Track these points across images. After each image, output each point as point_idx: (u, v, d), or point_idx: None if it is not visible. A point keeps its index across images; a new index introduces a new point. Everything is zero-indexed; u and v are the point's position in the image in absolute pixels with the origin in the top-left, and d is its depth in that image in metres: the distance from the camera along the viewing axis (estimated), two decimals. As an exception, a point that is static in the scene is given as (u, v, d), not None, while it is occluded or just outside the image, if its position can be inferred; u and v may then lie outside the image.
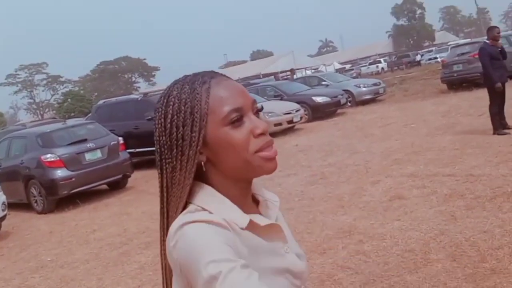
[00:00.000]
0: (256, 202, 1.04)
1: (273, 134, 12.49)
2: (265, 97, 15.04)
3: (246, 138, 0.90)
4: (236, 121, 0.89)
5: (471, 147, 7.33)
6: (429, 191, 5.50)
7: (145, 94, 11.86)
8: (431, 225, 4.46)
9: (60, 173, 8.29)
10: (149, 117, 10.70)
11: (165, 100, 0.93)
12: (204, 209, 0.90)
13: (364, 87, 16.82)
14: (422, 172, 6.42)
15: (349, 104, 16.19)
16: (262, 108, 12.22)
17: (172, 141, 0.91)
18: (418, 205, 5.13)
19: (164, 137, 0.93)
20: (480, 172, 5.88)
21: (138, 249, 5.47)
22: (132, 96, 12.88)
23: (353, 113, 15.15)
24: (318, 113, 14.71)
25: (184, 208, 0.92)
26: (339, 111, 15.69)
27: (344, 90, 16.05)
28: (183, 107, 0.91)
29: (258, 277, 0.78)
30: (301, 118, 13.54)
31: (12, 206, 8.29)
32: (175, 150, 0.91)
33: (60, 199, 8.54)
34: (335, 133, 11.73)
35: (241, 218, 0.91)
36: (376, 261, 3.92)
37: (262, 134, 0.91)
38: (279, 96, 15.34)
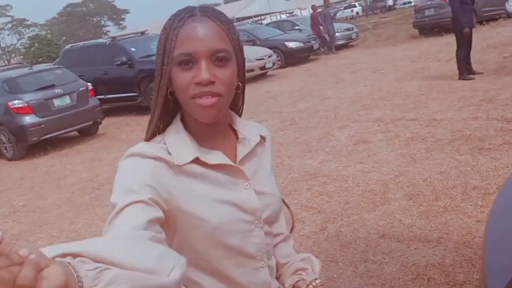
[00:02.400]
0: (237, 137, 1.10)
1: (246, 81, 12.46)
2: (238, 42, 14.82)
3: (187, 82, 0.94)
4: (183, 63, 0.94)
5: (436, 92, 7.52)
6: (392, 135, 5.70)
7: (114, 38, 11.53)
8: (392, 167, 4.67)
9: (28, 119, 8.17)
10: (118, 62, 10.50)
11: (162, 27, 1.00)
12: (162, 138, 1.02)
13: (337, 32, 16.71)
14: (387, 117, 6.61)
15: (322, 49, 16.14)
16: None
17: (156, 67, 0.99)
18: (381, 148, 5.33)
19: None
20: (443, 116, 6.09)
21: (110, 193, 5.47)
22: (100, 40, 12.54)
23: (325, 59, 15.16)
24: (291, 58, 14.66)
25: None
26: (311, 56, 15.67)
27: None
28: (162, 37, 0.97)
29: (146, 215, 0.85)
30: (273, 64, 13.48)
31: (-20, 153, 8.21)
32: (157, 78, 1.00)
33: (31, 145, 8.48)
34: (307, 79, 11.78)
35: (185, 155, 0.98)
36: (338, 201, 4.13)
37: (199, 83, 0.93)
38: (252, 41, 15.16)
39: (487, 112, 5.89)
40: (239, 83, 1.05)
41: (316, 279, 1.19)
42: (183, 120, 1.05)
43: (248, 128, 1.12)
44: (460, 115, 5.99)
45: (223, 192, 1.01)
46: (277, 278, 1.22)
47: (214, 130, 1.05)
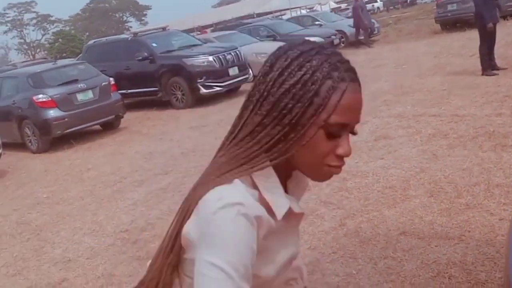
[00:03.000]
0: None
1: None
2: (258, 37, 14.84)
3: (328, 150, 0.90)
4: (334, 132, 0.89)
5: (459, 87, 7.40)
6: (414, 131, 5.64)
7: (135, 34, 11.67)
8: (413, 163, 4.63)
9: (52, 113, 8.34)
10: (140, 58, 10.62)
11: (301, 63, 0.89)
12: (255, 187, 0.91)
13: (358, 27, 16.54)
14: (409, 112, 6.54)
15: (342, 44, 16.02)
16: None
17: (285, 103, 0.88)
18: (402, 144, 5.28)
19: (284, 83, 0.89)
20: (465, 112, 6.00)
21: (131, 186, 5.66)
22: (122, 36, 12.69)
23: (346, 54, 14.83)
24: (311, 54, 14.55)
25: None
26: (332, 52, 15.54)
27: (337, 31, 15.84)
28: (311, 85, 0.88)
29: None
30: (294, 59, 13.41)
31: (7, 146, 8.40)
32: (288, 105, 0.88)
33: (54, 139, 8.65)
34: (327, 74, 11.70)
35: (283, 203, 0.93)
36: (357, 197, 4.11)
37: (342, 156, 0.91)
38: (272, 37, 15.13)
39: (511, 108, 5.78)
40: None
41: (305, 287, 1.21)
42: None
43: None
44: (483, 111, 5.89)
45: (286, 246, 0.99)
46: None
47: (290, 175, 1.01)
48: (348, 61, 0.94)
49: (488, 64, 7.93)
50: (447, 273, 2.81)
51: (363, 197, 4.10)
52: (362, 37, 15.67)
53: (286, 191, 0.98)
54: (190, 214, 0.89)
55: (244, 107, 0.96)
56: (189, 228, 0.89)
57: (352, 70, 0.92)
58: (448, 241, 3.14)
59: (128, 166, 6.59)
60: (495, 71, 7.89)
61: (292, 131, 0.88)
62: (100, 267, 3.86)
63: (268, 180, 0.92)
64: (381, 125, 6.20)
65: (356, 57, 13.79)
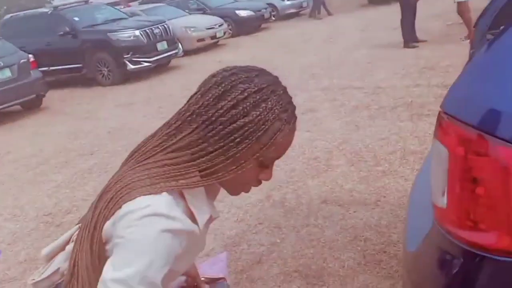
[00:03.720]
0: None
1: (196, 50, 12.30)
2: (187, 11, 14.53)
3: (254, 176, 0.99)
4: (266, 165, 0.99)
5: (382, 60, 7.70)
6: (338, 104, 5.83)
7: (56, 8, 11.02)
8: (336, 135, 4.80)
9: (-35, 93, 7.78)
10: (61, 33, 10.09)
11: (260, 94, 0.93)
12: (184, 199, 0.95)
13: (288, 0, 16.66)
14: (335, 85, 6.73)
15: (273, 18, 16.07)
16: None
17: (240, 131, 0.92)
18: (327, 117, 5.44)
19: (238, 120, 0.92)
20: (387, 84, 6.27)
21: (54, 168, 5.44)
22: (42, 9, 11.90)
23: (276, 28, 15.12)
24: (242, 27, 14.52)
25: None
26: (263, 25, 15.58)
27: (268, 4, 15.84)
28: (269, 118, 0.92)
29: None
30: (224, 33, 13.32)
31: None
32: (237, 140, 0.92)
33: (-31, 121, 8.10)
34: (258, 49, 11.73)
35: (204, 213, 1.00)
36: (284, 169, 4.20)
37: (262, 182, 1.02)
38: (202, 10, 14.89)
39: (428, 80, 6.10)
40: None
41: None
42: None
43: None
44: (403, 83, 6.18)
45: (199, 246, 1.09)
46: None
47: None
48: (292, 101, 1.01)
49: (410, 37, 8.28)
50: (363, 236, 2.97)
51: (289, 169, 4.20)
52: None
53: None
54: (111, 216, 0.91)
55: (184, 120, 0.96)
56: (109, 230, 0.91)
57: (294, 110, 1.00)
58: (365, 207, 3.31)
59: (51, 147, 6.31)
60: (415, 44, 8.27)
61: (234, 163, 0.93)
62: (23, 252, 3.72)
63: (196, 193, 0.98)
64: (308, 98, 6.34)
65: (286, 31, 13.94)
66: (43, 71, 9.19)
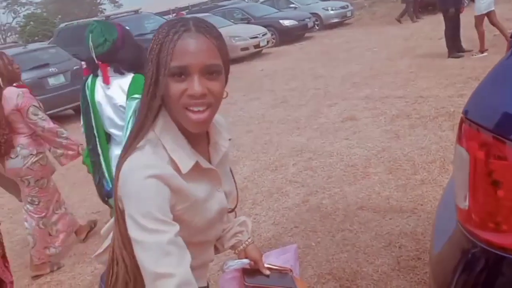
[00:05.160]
0: (208, 140, 1.20)
1: (240, 59, 12.53)
2: (232, 20, 14.84)
3: (180, 93, 1.02)
4: (177, 75, 1.02)
5: (425, 70, 7.63)
6: (379, 112, 5.84)
7: (107, 17, 11.56)
8: (376, 143, 4.82)
9: (23, 98, 8.27)
10: (112, 41, 10.54)
11: (154, 36, 1.07)
12: (159, 140, 1.08)
13: (332, 10, 16.69)
14: (376, 94, 6.73)
15: (316, 27, 16.14)
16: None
17: (148, 76, 1.07)
18: (367, 125, 5.47)
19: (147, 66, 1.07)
20: (429, 94, 6.22)
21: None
22: (94, 19, 12.50)
23: (320, 37, 15.16)
24: (285, 37, 14.67)
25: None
26: (306, 35, 15.67)
27: (311, 13, 15.93)
28: (155, 47, 1.04)
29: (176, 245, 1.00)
30: (268, 42, 13.51)
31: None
32: (150, 86, 1.06)
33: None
34: (300, 58, 11.84)
35: (187, 160, 1.09)
36: (321, 175, 4.29)
37: (192, 96, 1.02)
38: (246, 20, 15.16)
39: (472, 90, 5.98)
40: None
41: (249, 237, 1.46)
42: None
43: (218, 130, 1.22)
44: (446, 93, 6.12)
45: (209, 197, 1.16)
46: (218, 240, 1.44)
47: (200, 134, 1.15)
48: (193, 19, 1.09)
49: (454, 47, 8.17)
50: (398, 242, 3.01)
51: (326, 175, 4.28)
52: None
53: (209, 156, 1.18)
54: (117, 181, 1.07)
55: None
56: (118, 191, 1.06)
57: (190, 24, 1.06)
58: (401, 214, 3.34)
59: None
60: (460, 54, 8.14)
61: (156, 89, 1.05)
62: (73, 246, 4.01)
63: (176, 142, 1.09)
64: (349, 107, 6.38)
65: (329, 40, 13.98)
66: (94, 78, 9.62)
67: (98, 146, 2.56)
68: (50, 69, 8.71)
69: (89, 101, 2.53)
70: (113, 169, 2.29)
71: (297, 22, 14.90)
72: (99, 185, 2.61)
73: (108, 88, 2.46)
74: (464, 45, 8.37)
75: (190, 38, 1.03)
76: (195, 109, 1.03)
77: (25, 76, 8.29)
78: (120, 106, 2.41)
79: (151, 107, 1.07)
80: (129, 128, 2.49)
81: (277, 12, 16.29)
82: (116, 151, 2.46)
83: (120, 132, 2.43)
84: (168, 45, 1.02)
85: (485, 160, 1.26)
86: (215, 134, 1.21)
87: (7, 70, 3.38)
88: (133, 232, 0.99)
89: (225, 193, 1.24)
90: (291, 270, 1.48)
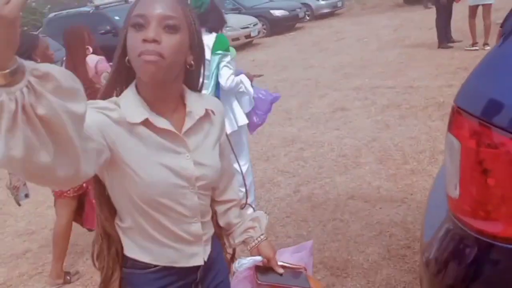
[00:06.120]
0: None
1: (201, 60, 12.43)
2: (223, 10, 14.66)
3: (137, 41, 1.04)
4: (137, 25, 1.05)
5: (415, 60, 7.66)
6: (369, 103, 5.86)
7: (97, 7, 11.43)
8: (366, 133, 4.85)
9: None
10: (102, 31, 10.44)
11: None
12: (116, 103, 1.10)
13: (323, 0, 16.63)
14: (366, 85, 6.75)
15: (307, 18, 16.09)
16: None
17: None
18: (357, 115, 5.49)
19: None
20: (419, 84, 6.26)
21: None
22: (83, 8, 12.35)
23: (310, 28, 15.13)
24: (276, 27, 14.60)
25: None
26: (297, 25, 15.62)
27: (302, 4, 15.86)
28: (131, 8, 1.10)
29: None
30: (258, 32, 13.45)
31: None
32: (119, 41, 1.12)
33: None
34: (291, 48, 11.81)
35: (137, 115, 1.09)
36: (312, 166, 4.30)
37: (145, 40, 1.02)
38: (237, 10, 15.06)
39: (462, 80, 5.83)
40: (192, 62, 1.15)
41: (262, 234, 1.41)
42: (137, 87, 1.14)
43: (197, 102, 1.21)
44: (436, 83, 6.15)
45: (163, 157, 1.13)
46: (229, 235, 1.43)
47: (164, 97, 1.14)
48: None
49: (444, 37, 8.20)
50: (388, 231, 3.04)
51: (317, 165, 4.29)
52: None
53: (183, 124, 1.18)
54: None
55: None
56: None
57: None
58: (391, 204, 3.37)
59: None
60: (450, 44, 8.17)
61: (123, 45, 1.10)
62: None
63: (130, 100, 1.12)
64: (339, 97, 6.39)
65: (320, 31, 13.95)
66: (84, 68, 9.53)
67: None
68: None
69: None
70: None
71: (288, 13, 14.84)
72: None
73: None
74: (454, 35, 8.40)
75: None
76: (147, 57, 1.02)
77: (13, 67, 8.24)
78: (206, 59, 2.49)
79: (117, 60, 1.12)
80: (213, 79, 2.95)
81: (268, 2, 16.20)
82: None
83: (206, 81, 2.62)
84: (136, 1, 1.09)
85: (475, 149, 1.27)
86: (192, 104, 1.19)
87: (43, 55, 3.40)
88: None
89: (201, 166, 1.19)
90: (305, 269, 1.45)
